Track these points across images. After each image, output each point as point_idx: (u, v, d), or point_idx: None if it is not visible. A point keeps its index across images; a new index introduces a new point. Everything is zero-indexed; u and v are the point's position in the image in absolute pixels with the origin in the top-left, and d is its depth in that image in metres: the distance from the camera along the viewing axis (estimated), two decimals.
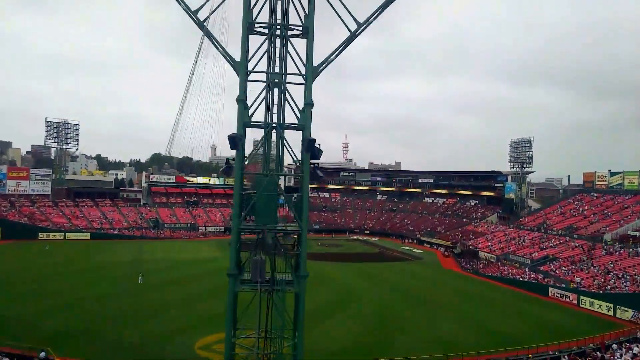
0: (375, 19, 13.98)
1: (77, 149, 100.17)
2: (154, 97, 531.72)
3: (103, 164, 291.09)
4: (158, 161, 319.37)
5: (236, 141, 13.87)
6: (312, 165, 14.83)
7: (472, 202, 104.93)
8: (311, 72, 14.48)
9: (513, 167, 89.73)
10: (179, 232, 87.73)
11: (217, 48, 14.87)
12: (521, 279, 53.13)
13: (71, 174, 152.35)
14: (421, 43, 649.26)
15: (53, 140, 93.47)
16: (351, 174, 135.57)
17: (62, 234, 75.49)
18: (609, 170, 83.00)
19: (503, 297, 45.92)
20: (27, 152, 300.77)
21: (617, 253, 53.68)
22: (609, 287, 44.42)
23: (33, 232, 73.18)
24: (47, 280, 43.82)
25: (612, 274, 47.53)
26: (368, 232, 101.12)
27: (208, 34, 14.87)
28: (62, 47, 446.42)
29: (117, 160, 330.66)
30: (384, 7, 14.10)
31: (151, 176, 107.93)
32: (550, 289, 47.23)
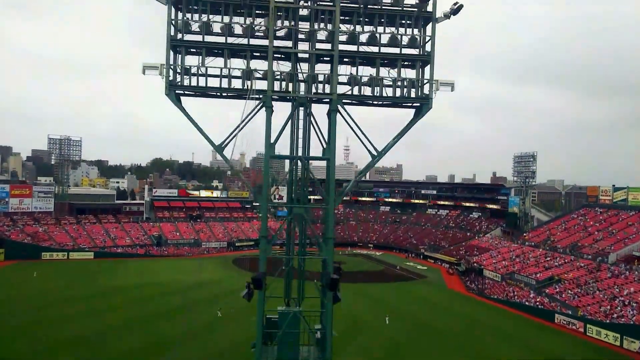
0: (392, 146, 16.45)
1: (79, 156, 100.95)
2: (149, 97, 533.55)
3: (103, 169, 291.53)
4: (159, 166, 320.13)
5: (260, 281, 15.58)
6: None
7: (475, 215, 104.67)
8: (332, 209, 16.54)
9: (517, 181, 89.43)
10: (182, 248, 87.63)
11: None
12: (527, 302, 52.86)
13: (73, 186, 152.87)
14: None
15: (56, 157, 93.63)
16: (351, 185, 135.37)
17: (66, 253, 75.40)
18: (613, 185, 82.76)
19: (510, 324, 45.69)
20: (28, 157, 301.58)
21: (623, 276, 53.40)
22: (615, 315, 44.15)
23: (36, 252, 73.12)
24: (48, 309, 43.59)
25: (618, 300, 47.25)
26: (372, 245, 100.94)
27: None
28: (45, 48, 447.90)
29: (118, 164, 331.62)
30: (399, 136, 16.51)
31: (154, 190, 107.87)
32: (557, 315, 46.95)
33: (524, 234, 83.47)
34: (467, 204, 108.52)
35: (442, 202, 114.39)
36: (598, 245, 67.16)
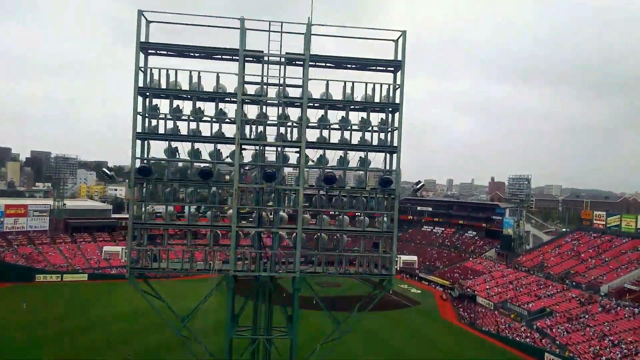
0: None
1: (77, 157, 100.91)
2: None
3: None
4: (158, 168, 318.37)
5: None
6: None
7: (470, 234, 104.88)
8: None
9: (513, 204, 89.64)
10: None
11: None
12: (517, 337, 52.95)
13: (70, 196, 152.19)
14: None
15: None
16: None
17: (60, 275, 75.40)
18: (607, 211, 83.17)
19: None
20: (27, 159, 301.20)
21: (614, 311, 53.59)
22: (604, 357, 44.27)
23: (30, 275, 73.06)
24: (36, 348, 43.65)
25: (607, 339, 47.39)
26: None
27: None
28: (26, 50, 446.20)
29: (116, 166, 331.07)
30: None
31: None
32: (547, 354, 47.07)
33: (519, 257, 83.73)
34: (461, 222, 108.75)
35: (438, 219, 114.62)
36: (590, 274, 67.40)
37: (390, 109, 19.46)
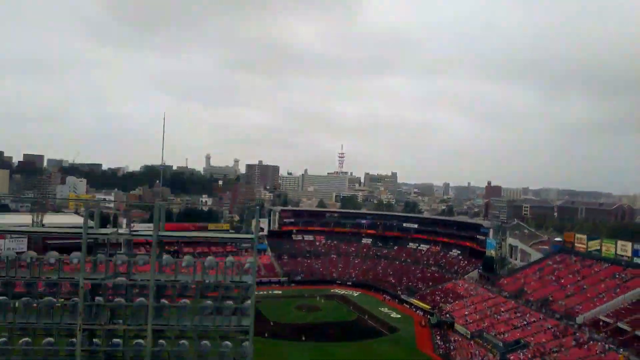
0: None
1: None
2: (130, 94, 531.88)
3: (95, 176, 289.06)
4: (150, 174, 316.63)
5: None
6: None
7: (455, 252, 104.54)
8: None
9: (495, 225, 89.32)
10: None
11: None
12: None
13: (54, 211, 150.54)
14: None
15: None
16: (335, 215, 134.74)
17: None
18: (587, 235, 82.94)
19: None
20: (20, 162, 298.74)
21: (586, 346, 53.15)
22: None
23: None
24: None
25: None
26: (350, 283, 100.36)
27: None
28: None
29: (111, 168, 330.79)
30: None
31: (132, 225, 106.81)
32: None
33: (500, 280, 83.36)
34: (446, 240, 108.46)
35: (423, 237, 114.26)
36: (568, 302, 67.01)
37: None
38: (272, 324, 69.49)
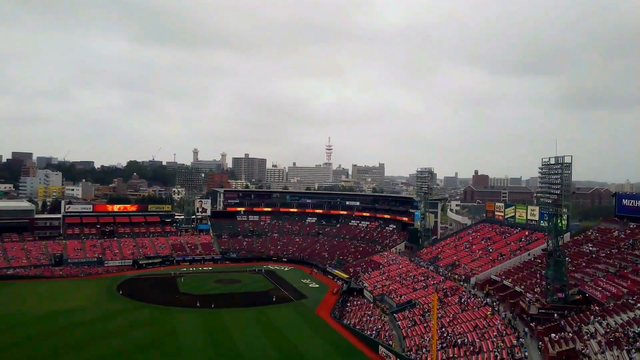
0: None
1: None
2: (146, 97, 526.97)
3: (79, 172, 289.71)
4: (133, 169, 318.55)
5: None
6: None
7: (391, 227, 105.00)
8: None
9: (418, 197, 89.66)
10: (81, 268, 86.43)
11: None
12: (367, 331, 52.58)
13: (5, 201, 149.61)
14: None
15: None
16: (280, 196, 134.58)
17: None
18: (504, 203, 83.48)
19: (330, 355, 45.63)
20: (8, 159, 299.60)
21: (466, 303, 53.48)
22: (424, 349, 43.99)
23: None
24: None
25: (446, 331, 47.11)
26: (285, 260, 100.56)
27: None
28: None
29: (111, 165, 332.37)
30: None
31: (67, 206, 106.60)
32: (380, 348, 46.80)
33: (421, 250, 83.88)
34: (386, 216, 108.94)
35: (365, 214, 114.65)
36: (472, 265, 67.64)
37: None
38: (178, 295, 69.60)
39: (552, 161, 44.82)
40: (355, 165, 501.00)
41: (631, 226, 56.16)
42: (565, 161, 43.37)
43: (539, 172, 47.11)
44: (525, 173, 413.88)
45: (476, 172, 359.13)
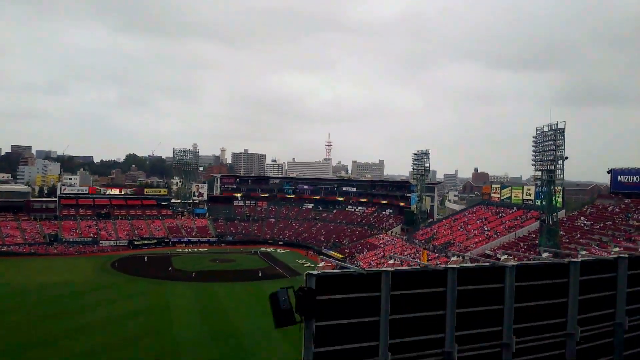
0: None
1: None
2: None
3: (78, 164, 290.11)
4: (132, 162, 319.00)
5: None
6: None
7: (387, 212, 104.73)
8: None
9: (414, 179, 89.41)
10: (76, 247, 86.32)
11: None
12: None
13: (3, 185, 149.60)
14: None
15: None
16: (278, 182, 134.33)
17: None
18: (501, 184, 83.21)
19: None
20: (7, 152, 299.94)
21: None
22: None
23: None
24: None
25: None
26: (282, 243, 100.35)
27: None
28: None
29: (111, 160, 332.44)
30: None
31: (63, 188, 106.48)
32: None
33: (417, 232, 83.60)
34: (383, 202, 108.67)
35: (363, 200, 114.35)
36: (466, 243, 67.34)
37: None
38: (171, 269, 69.56)
39: (546, 129, 44.47)
40: (355, 162, 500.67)
41: (626, 201, 55.85)
42: (558, 127, 42.99)
43: (533, 141, 46.78)
44: (525, 173, 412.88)
45: (476, 169, 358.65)
